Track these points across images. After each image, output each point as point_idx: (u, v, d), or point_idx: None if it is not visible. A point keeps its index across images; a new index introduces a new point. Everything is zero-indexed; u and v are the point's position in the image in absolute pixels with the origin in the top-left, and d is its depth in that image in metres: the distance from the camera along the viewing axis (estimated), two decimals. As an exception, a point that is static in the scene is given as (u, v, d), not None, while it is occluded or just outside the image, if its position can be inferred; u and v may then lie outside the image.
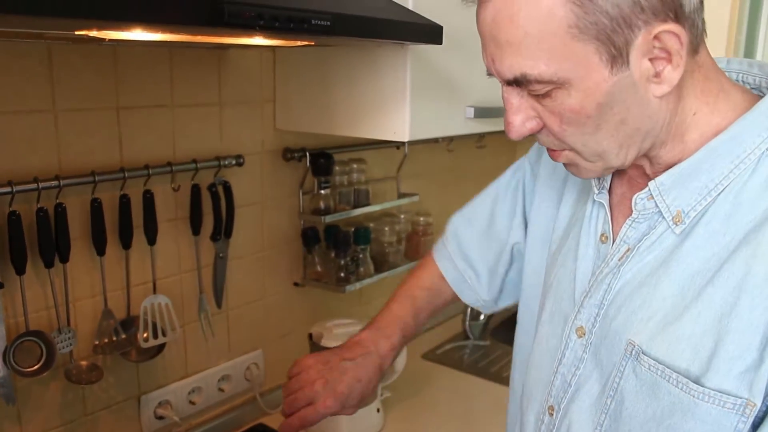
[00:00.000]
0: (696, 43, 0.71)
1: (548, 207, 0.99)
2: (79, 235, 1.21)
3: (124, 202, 1.24)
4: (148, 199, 1.28)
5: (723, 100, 0.75)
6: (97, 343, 1.26)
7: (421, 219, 1.87)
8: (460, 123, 1.44)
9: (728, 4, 1.88)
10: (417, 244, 1.86)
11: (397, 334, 1.10)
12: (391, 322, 1.12)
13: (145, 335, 1.30)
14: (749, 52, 2.24)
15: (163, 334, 1.33)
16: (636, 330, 0.76)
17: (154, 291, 1.33)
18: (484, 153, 2.26)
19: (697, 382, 0.70)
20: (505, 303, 1.16)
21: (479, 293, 1.15)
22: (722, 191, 0.73)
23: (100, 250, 1.22)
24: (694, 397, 0.70)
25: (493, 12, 0.69)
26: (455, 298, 1.18)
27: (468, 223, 1.17)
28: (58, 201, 1.14)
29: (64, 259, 1.17)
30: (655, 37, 0.67)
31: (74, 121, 1.18)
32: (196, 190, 1.37)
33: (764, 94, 0.76)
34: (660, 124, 0.73)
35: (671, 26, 0.67)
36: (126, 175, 1.22)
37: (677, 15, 0.67)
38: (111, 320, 1.27)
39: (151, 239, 1.30)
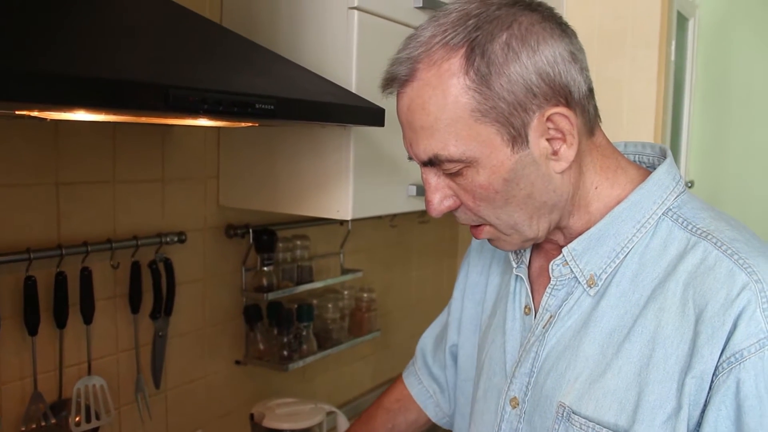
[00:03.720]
0: (590, 126, 0.81)
1: (476, 287, 1.06)
2: (10, 314, 1.17)
3: (60, 280, 1.21)
4: (86, 276, 1.26)
5: (621, 174, 0.84)
6: (23, 429, 1.20)
7: (365, 295, 1.87)
8: (403, 200, 1.46)
9: (654, 87, 1.99)
10: (361, 320, 1.85)
11: None
12: None
13: (77, 419, 1.25)
14: (675, 129, 2.36)
15: (97, 418, 1.27)
16: (565, 392, 0.81)
17: (89, 372, 1.29)
18: (427, 228, 2.29)
19: None
20: None
21: (443, 407, 1.16)
22: (628, 253, 0.81)
23: (32, 330, 1.18)
24: None
25: (407, 101, 0.78)
26: (422, 418, 1.18)
27: (431, 337, 1.20)
28: (-10, 280, 1.11)
29: (-6, 340, 1.13)
30: (548, 119, 0.76)
31: (10, 197, 1.16)
32: (136, 268, 1.35)
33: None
34: (565, 197, 0.81)
35: (561, 109, 0.76)
36: (63, 252, 1.20)
37: (567, 100, 0.77)
38: (40, 404, 1.21)
39: (88, 318, 1.27)
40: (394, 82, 0.79)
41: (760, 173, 2.41)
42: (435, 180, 0.81)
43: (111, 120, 1.01)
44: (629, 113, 2.03)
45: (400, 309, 2.23)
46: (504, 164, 0.76)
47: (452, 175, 0.79)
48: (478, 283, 1.05)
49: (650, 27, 2.00)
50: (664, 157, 0.87)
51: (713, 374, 0.71)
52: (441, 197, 0.82)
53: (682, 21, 2.31)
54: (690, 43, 2.43)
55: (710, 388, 0.72)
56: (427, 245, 2.35)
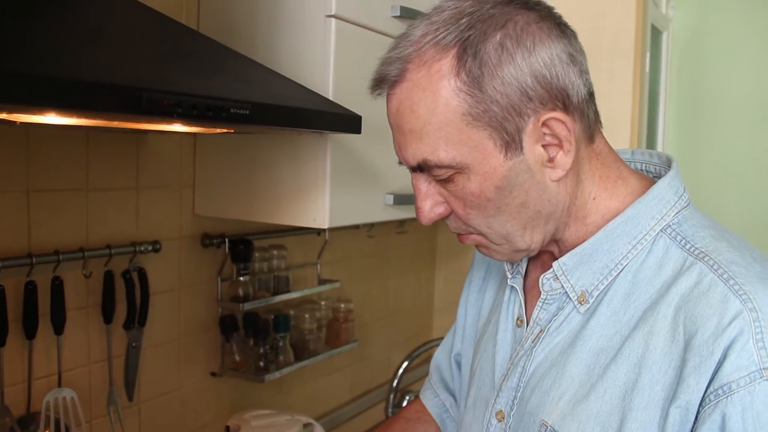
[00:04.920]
0: (590, 133, 0.78)
1: (477, 294, 1.03)
2: (-21, 325, 1.14)
3: (30, 290, 1.19)
4: (57, 286, 1.23)
5: (621, 185, 0.80)
6: (-9, 442, 1.17)
7: (342, 305, 1.86)
8: (380, 210, 1.46)
9: (629, 99, 2.01)
10: (338, 331, 1.84)
11: None
12: None
13: (46, 432, 1.22)
14: (651, 139, 2.39)
15: (67, 431, 1.24)
16: (548, 410, 0.78)
17: (59, 384, 1.26)
18: (405, 239, 2.29)
19: None
20: None
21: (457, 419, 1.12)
22: (621, 271, 0.77)
23: (0, 341, 1.16)
24: None
25: (396, 103, 0.75)
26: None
27: (443, 350, 1.16)
28: (-43, 289, 1.08)
29: (-40, 351, 1.10)
30: (544, 124, 0.73)
31: (-20, 205, 1.14)
32: (109, 277, 1.32)
33: None
34: (560, 208, 0.77)
35: (558, 114, 0.72)
36: (34, 260, 1.17)
37: (565, 105, 0.73)
38: (7, 418, 1.18)
39: (58, 328, 1.24)
40: (383, 82, 0.76)
41: (734, 184, 2.44)
42: (425, 186, 0.78)
43: (84, 125, 0.99)
44: (605, 125, 2.02)
45: (378, 320, 2.22)
46: (496, 171, 0.73)
47: (443, 182, 0.76)
48: (479, 290, 1.03)
49: (625, 40, 2.03)
50: (669, 167, 0.83)
51: (699, 405, 0.67)
52: (431, 204, 0.78)
53: (656, 34, 2.34)
54: (664, 56, 2.46)
55: (696, 419, 0.68)
56: (404, 256, 2.34)
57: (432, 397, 1.14)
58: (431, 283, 2.54)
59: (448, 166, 0.74)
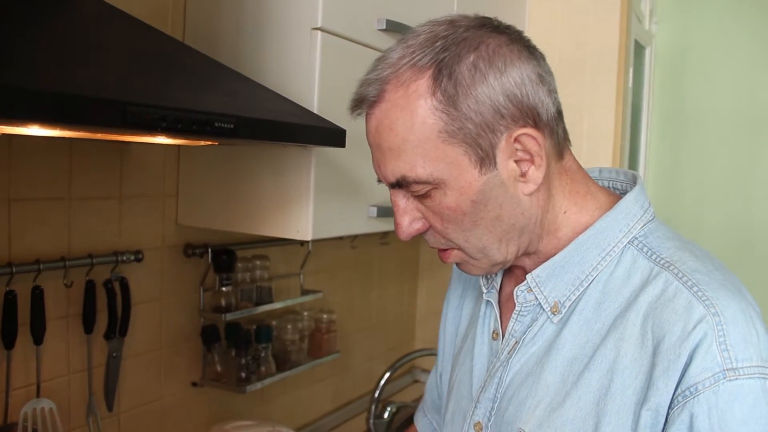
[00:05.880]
0: (560, 149, 0.81)
1: (455, 312, 1.05)
2: (-43, 335, 1.13)
3: (10, 299, 1.18)
4: (37, 295, 1.22)
5: (590, 200, 0.84)
6: (-32, 453, 1.16)
7: (325, 316, 1.86)
8: (363, 222, 1.46)
9: (612, 114, 2.03)
10: (320, 342, 1.84)
11: None
12: None
13: (24, 443, 1.21)
14: (633, 153, 2.41)
15: (45, 442, 1.24)
16: (525, 419, 0.80)
17: (38, 394, 1.25)
18: (388, 250, 2.29)
19: None
20: None
21: None
22: (592, 281, 0.80)
23: (-20, 351, 1.15)
24: None
25: (375, 123, 0.78)
26: None
27: (433, 372, 1.17)
28: (-65, 298, 1.07)
29: (-62, 361, 1.09)
30: (516, 140, 0.76)
31: (-39, 214, 1.13)
32: (90, 287, 1.32)
33: None
34: (533, 221, 0.81)
35: (529, 130, 0.76)
36: (14, 269, 1.16)
37: (536, 122, 0.77)
38: (-14, 427, 1.18)
39: (38, 338, 1.23)
40: (362, 103, 0.79)
41: (716, 197, 2.47)
42: (404, 202, 0.81)
43: (67, 136, 0.99)
44: (589, 139, 2.06)
45: (361, 330, 2.22)
46: (472, 186, 0.76)
47: (421, 197, 0.79)
48: (457, 307, 1.05)
49: (608, 55, 2.05)
50: (635, 183, 0.87)
51: (668, 407, 0.71)
52: (410, 220, 0.81)
53: (639, 49, 2.36)
54: (647, 71, 2.49)
55: (666, 421, 0.71)
56: (387, 267, 2.35)
57: (421, 418, 1.17)
58: (414, 294, 2.54)
59: (426, 182, 0.76)
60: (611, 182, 0.91)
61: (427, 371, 2.49)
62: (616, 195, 0.87)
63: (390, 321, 2.38)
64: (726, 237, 2.42)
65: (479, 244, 0.80)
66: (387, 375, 1.94)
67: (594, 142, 2.03)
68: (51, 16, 0.94)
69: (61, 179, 1.27)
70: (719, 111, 2.45)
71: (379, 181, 0.82)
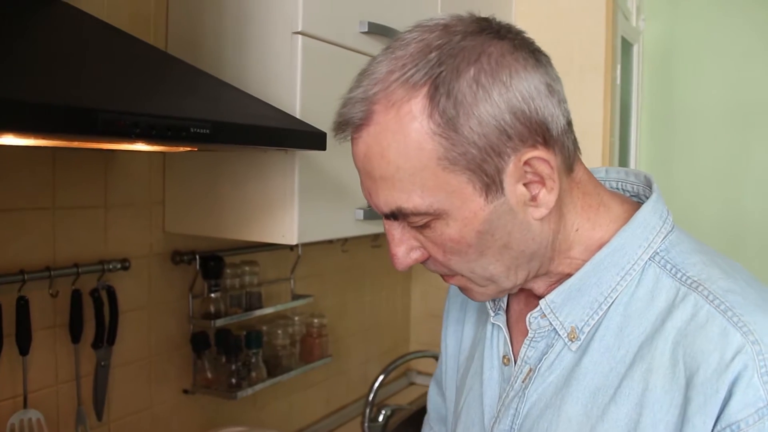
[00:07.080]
0: (570, 163, 0.73)
1: (455, 326, 0.99)
2: (-58, 347, 1.13)
3: (-5, 310, 1.18)
4: (23, 306, 1.22)
5: (604, 213, 0.76)
6: (-45, 466, 1.16)
7: (316, 321, 1.85)
8: (350, 225, 1.46)
9: (600, 111, 2.03)
10: (311, 347, 1.83)
11: None
12: None
13: (12, 454, 1.21)
14: (623, 150, 2.41)
15: (34, 453, 1.23)
16: None
17: (25, 405, 1.24)
18: (380, 253, 2.29)
19: None
20: None
21: None
22: (612, 304, 0.73)
23: (-35, 363, 1.15)
24: None
25: (364, 148, 0.69)
26: None
27: (434, 382, 1.11)
28: None
29: None
30: (526, 163, 0.68)
31: (-58, 226, 1.13)
32: (77, 296, 1.31)
33: (642, 201, 0.79)
34: (544, 245, 0.74)
35: (540, 152, 0.68)
36: (-2, 281, 1.16)
37: (545, 139, 0.68)
38: (-27, 439, 1.17)
39: (24, 349, 1.23)
40: (347, 126, 0.70)
41: (707, 193, 2.47)
42: (399, 232, 0.73)
43: (47, 145, 0.98)
44: (577, 136, 2.06)
45: (353, 334, 2.22)
46: (477, 215, 0.68)
47: (419, 228, 0.71)
48: (458, 321, 0.98)
49: (596, 52, 2.05)
50: (649, 186, 0.80)
51: None
52: (407, 250, 0.74)
53: (626, 46, 2.37)
54: (635, 68, 2.49)
55: None
56: (380, 269, 2.34)
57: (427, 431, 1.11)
58: (407, 296, 2.54)
59: (425, 213, 0.69)
60: (619, 183, 0.84)
61: (423, 373, 2.49)
62: (628, 201, 0.80)
63: (384, 324, 2.38)
64: (717, 232, 2.42)
65: (486, 273, 0.74)
66: (381, 378, 1.94)
67: (583, 141, 2.00)
68: (26, 25, 0.94)
69: (44, 189, 1.27)
70: (709, 107, 2.45)
71: (370, 207, 0.76)
